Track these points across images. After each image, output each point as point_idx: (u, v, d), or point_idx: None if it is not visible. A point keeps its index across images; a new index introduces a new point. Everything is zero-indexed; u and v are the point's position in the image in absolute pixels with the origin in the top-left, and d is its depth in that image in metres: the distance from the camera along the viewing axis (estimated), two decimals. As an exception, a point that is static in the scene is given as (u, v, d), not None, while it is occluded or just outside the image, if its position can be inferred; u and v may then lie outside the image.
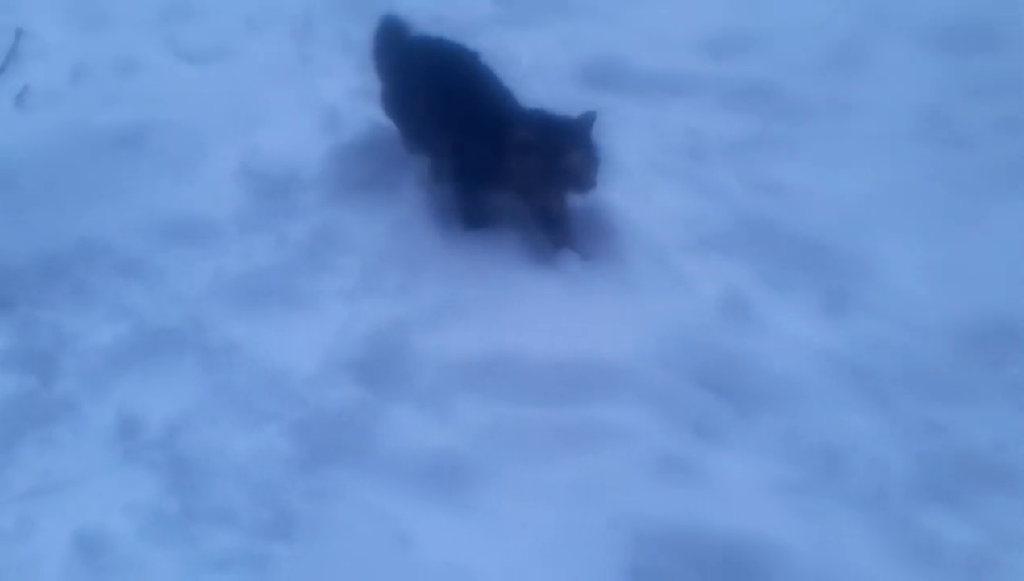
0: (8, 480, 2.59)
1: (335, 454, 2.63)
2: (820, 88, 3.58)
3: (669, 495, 2.49)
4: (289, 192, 3.39)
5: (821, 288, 2.99)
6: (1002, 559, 2.36)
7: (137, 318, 2.99)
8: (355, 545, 2.41)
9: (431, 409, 2.73)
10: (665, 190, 3.26)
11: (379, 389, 2.77)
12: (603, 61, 3.80)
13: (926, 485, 2.54)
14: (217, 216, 3.30)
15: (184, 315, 3.01)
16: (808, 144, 3.34)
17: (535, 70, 3.76)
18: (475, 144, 3.07)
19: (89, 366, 2.87)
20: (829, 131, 3.43)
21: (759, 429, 2.67)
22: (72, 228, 3.18)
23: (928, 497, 2.52)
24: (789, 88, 3.58)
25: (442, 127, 3.17)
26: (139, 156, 3.43)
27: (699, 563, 2.37)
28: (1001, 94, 3.45)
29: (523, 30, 4.10)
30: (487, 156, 3.05)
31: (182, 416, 2.74)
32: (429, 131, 3.24)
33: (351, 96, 3.73)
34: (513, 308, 2.93)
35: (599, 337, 2.82)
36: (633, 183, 3.24)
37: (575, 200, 3.07)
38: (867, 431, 2.65)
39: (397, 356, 2.84)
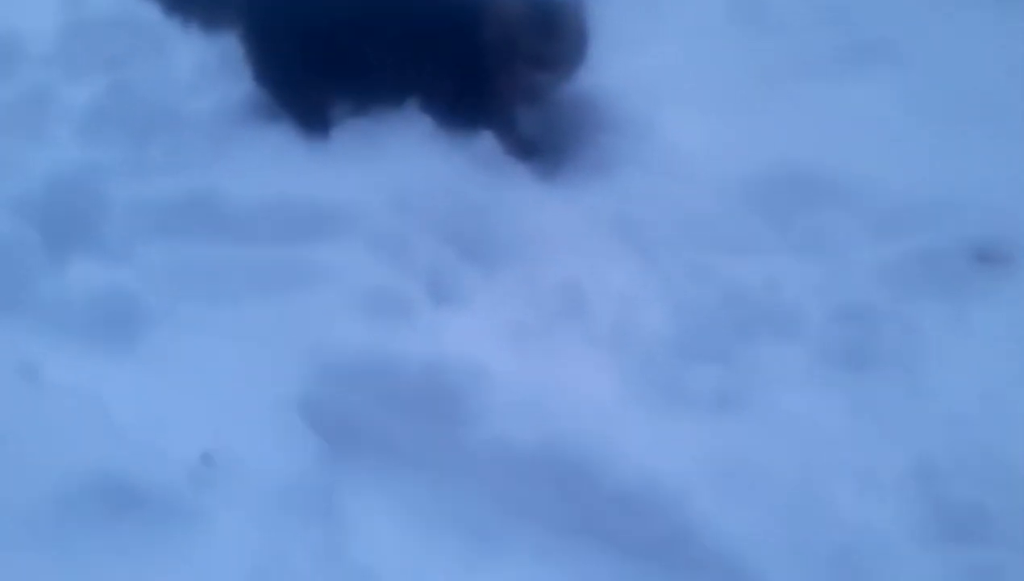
0: None
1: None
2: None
3: (371, 332, 2.04)
4: (8, 62, 2.94)
5: (593, 148, 2.59)
6: (752, 397, 1.94)
7: None
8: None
9: (109, 254, 2.27)
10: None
11: (50, 234, 2.29)
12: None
13: (683, 328, 2.12)
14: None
15: None
16: (610, 24, 2.94)
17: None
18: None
19: None
20: (635, 14, 3.06)
21: (499, 279, 2.25)
22: None
23: (683, 340, 2.09)
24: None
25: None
26: None
27: (387, 393, 1.91)
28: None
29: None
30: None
31: None
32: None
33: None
34: (236, 154, 2.51)
35: (328, 180, 2.40)
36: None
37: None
38: (622, 278, 2.24)
39: (81, 202, 2.39)
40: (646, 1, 3.13)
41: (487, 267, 2.29)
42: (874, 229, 2.36)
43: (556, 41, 2.53)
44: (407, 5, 2.62)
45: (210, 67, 2.90)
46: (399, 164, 2.45)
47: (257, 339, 2.06)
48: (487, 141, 2.53)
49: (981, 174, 2.44)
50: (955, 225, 2.34)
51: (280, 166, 2.46)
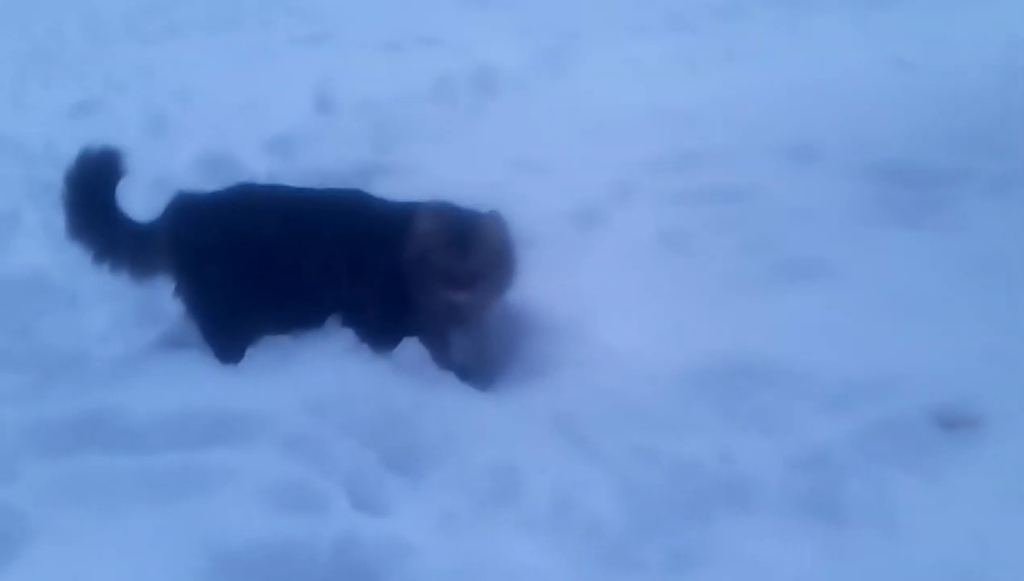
0: None
1: None
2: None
3: (277, 522, 1.81)
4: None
5: (529, 353, 2.47)
6: (712, 555, 1.72)
7: None
8: None
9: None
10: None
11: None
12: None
13: (631, 505, 1.92)
14: None
15: None
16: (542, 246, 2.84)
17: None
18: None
19: None
20: (565, 238, 3.04)
21: (426, 482, 2.04)
22: None
23: (632, 516, 1.89)
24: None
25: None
26: None
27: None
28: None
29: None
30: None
31: None
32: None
33: None
34: (142, 379, 2.34)
35: (237, 391, 2.23)
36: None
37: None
38: (560, 464, 2.04)
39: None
40: (577, 225, 3.12)
41: (413, 474, 2.08)
42: (825, 407, 2.22)
43: (475, 257, 2.44)
44: (329, 227, 2.54)
45: (124, 318, 2.79)
46: (316, 374, 2.29)
47: (148, 542, 1.81)
48: (413, 351, 2.38)
49: (928, 350, 2.34)
50: (911, 396, 2.20)
51: (186, 383, 2.29)
